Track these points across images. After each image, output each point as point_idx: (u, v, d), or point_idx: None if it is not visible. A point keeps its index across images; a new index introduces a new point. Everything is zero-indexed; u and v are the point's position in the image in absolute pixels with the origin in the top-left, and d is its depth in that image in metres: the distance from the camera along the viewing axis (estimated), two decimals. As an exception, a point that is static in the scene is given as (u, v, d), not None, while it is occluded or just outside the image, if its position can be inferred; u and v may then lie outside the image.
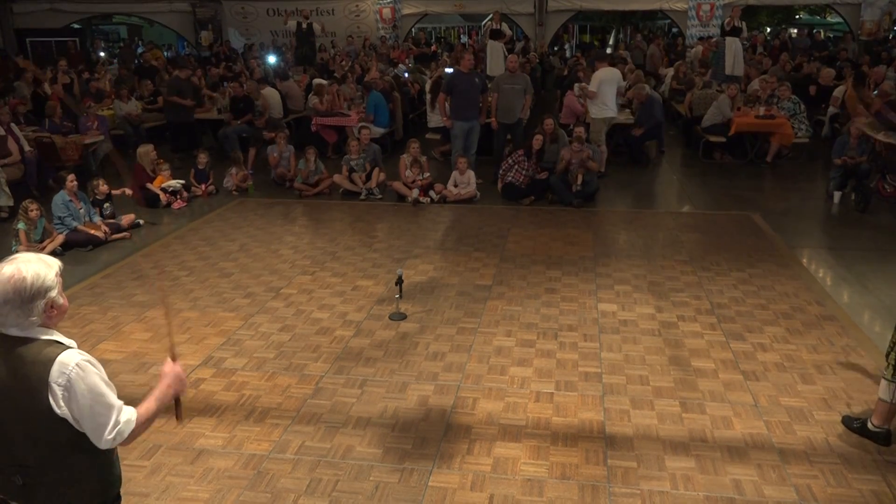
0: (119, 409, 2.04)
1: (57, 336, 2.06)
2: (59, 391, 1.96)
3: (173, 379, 2.26)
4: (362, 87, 12.26)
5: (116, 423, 2.02)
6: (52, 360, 1.97)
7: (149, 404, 2.16)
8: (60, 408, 1.97)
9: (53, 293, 2.03)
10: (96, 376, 2.01)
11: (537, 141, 8.83)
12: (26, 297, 1.97)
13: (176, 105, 11.26)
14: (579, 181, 8.41)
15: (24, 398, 1.97)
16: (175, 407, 2.31)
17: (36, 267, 2.01)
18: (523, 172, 8.74)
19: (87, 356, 2.04)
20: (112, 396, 2.03)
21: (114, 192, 7.93)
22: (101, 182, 7.86)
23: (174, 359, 2.31)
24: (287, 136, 9.98)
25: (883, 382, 3.74)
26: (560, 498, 3.42)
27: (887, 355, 3.73)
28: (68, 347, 2.04)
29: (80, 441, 2.04)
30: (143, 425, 2.11)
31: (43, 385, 1.96)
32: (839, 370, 4.59)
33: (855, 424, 3.88)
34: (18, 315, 1.98)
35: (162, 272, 6.53)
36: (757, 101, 10.97)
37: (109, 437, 2.02)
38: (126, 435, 2.05)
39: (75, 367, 1.98)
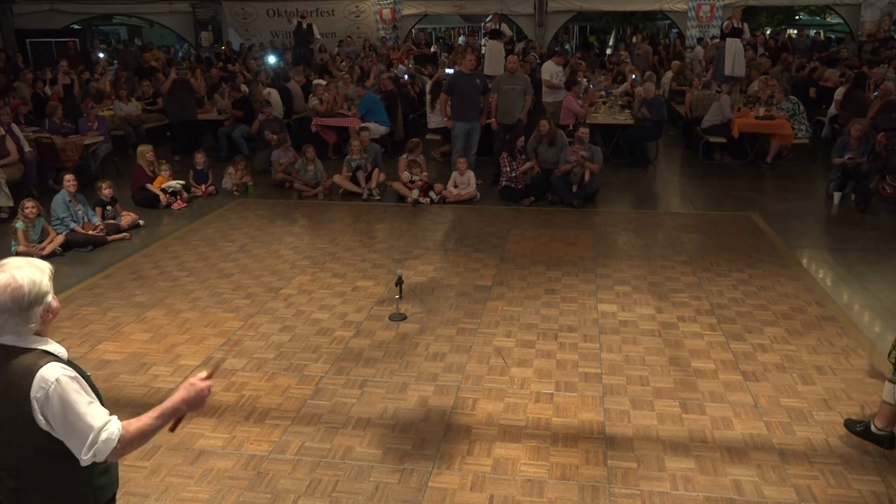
0: (99, 428, 1.92)
1: (49, 345, 2.00)
2: (37, 406, 1.91)
3: (195, 396, 2.08)
4: (357, 87, 12.21)
5: (93, 442, 1.91)
6: (33, 374, 1.91)
7: (147, 421, 2.03)
8: (40, 422, 1.92)
9: (49, 297, 1.98)
10: (74, 394, 1.92)
11: (520, 141, 8.93)
12: (24, 304, 1.92)
13: (179, 103, 11.18)
14: (577, 185, 8.43)
15: (11, 408, 1.94)
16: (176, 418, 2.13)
17: (30, 273, 1.95)
18: (513, 173, 8.81)
19: (70, 371, 1.96)
20: (91, 415, 1.92)
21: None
22: (104, 185, 7.87)
23: (210, 376, 2.13)
24: (289, 140, 9.97)
25: (887, 385, 3.72)
26: (560, 498, 3.42)
27: (889, 355, 3.72)
28: (56, 358, 1.98)
29: (68, 451, 1.98)
30: (133, 443, 1.99)
31: (25, 398, 1.91)
32: (839, 371, 4.59)
33: (858, 428, 3.86)
34: (16, 323, 1.94)
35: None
36: (757, 102, 10.98)
37: (86, 456, 1.93)
38: (106, 454, 1.93)
39: (54, 382, 1.90)
